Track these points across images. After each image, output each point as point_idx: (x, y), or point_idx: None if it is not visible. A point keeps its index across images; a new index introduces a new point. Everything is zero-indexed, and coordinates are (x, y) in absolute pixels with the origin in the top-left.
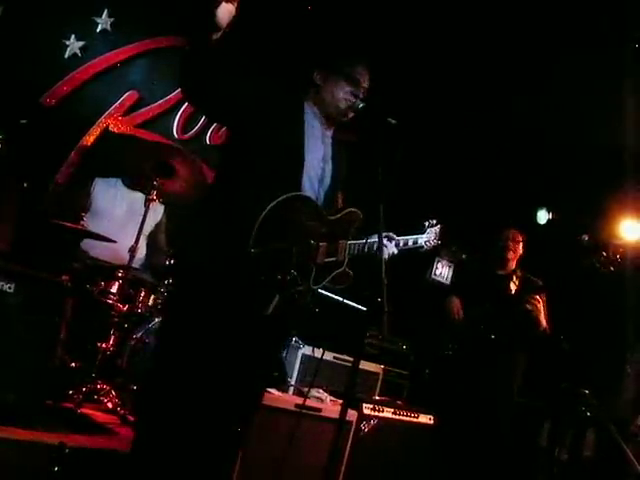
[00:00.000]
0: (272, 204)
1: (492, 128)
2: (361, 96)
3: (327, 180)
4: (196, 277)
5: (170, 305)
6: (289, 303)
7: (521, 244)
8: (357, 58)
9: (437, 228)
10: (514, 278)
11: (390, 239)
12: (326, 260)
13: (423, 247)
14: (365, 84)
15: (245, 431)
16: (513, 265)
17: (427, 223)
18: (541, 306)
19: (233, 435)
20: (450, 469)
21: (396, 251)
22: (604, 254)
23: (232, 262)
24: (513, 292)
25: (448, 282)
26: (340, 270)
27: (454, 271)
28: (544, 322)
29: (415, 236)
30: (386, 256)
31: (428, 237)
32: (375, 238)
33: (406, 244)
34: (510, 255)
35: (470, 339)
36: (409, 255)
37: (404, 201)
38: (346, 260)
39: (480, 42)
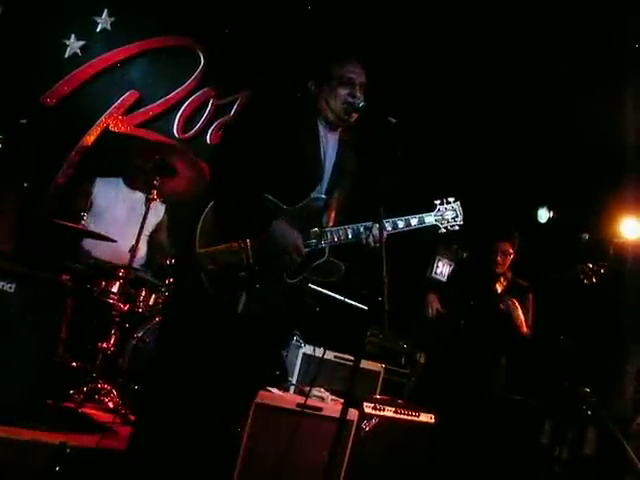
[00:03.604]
0: (209, 206)
1: (492, 126)
2: (359, 94)
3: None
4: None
5: (165, 317)
6: (263, 301)
7: (512, 254)
8: (346, 56)
9: (456, 205)
10: (501, 279)
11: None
12: None
13: (439, 228)
14: (360, 79)
15: (238, 429)
16: (503, 270)
17: (439, 201)
18: (518, 310)
19: (229, 434)
20: (449, 467)
21: (385, 234)
22: (589, 265)
23: (189, 265)
24: (498, 292)
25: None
26: (322, 260)
27: (452, 270)
28: (523, 325)
29: (420, 215)
30: (372, 243)
31: (441, 216)
32: (358, 225)
33: (408, 224)
34: (500, 269)
35: (447, 335)
36: (414, 250)
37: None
38: (326, 249)
39: (480, 41)
